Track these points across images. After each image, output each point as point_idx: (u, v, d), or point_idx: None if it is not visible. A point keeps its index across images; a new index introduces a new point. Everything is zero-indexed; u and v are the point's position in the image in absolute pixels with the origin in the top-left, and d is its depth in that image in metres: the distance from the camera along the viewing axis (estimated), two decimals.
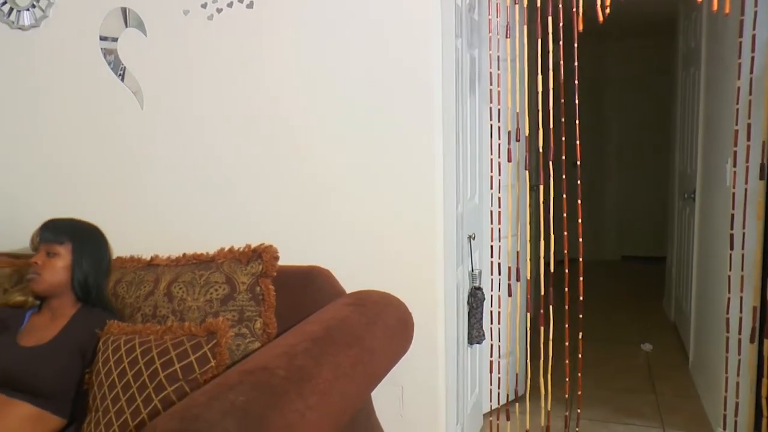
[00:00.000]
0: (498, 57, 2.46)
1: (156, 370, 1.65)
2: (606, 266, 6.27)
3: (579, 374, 2.43)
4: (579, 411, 2.60)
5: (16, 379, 1.83)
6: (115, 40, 2.31)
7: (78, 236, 1.99)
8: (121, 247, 2.12)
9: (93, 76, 2.35)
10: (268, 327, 1.83)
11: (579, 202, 2.38)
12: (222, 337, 1.69)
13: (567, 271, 2.24)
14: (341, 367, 1.60)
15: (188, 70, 2.24)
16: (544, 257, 2.39)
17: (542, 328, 2.40)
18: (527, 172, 2.44)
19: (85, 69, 2.36)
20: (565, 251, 2.24)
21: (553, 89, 2.30)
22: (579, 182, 2.36)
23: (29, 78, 2.47)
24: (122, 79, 2.32)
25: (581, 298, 2.30)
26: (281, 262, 1.91)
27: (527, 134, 2.35)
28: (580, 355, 2.37)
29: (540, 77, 2.26)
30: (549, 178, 2.31)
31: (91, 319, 1.92)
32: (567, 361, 2.34)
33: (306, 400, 1.42)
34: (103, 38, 2.32)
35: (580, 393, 2.47)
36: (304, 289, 1.95)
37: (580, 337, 2.35)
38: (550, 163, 2.34)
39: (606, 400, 3.10)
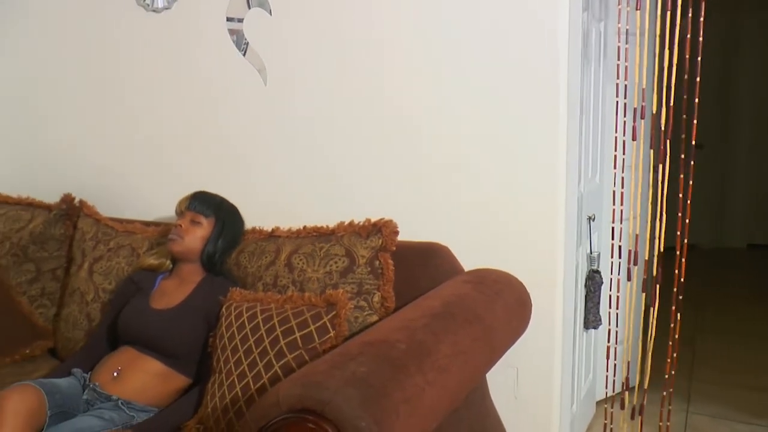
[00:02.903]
0: (627, 30, 2.33)
1: (277, 338, 1.69)
2: (729, 255, 5.90)
3: (693, 367, 2.29)
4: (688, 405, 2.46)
5: (148, 338, 1.95)
6: (240, 20, 2.37)
7: (222, 214, 2.11)
8: (243, 217, 2.19)
9: (219, 54, 2.43)
10: (386, 301, 1.84)
11: (690, 183, 2.23)
12: (341, 309, 1.71)
13: (682, 257, 2.11)
14: (460, 344, 1.58)
15: (312, 49, 2.26)
16: (664, 241, 2.28)
17: (652, 316, 2.29)
18: (651, 151, 2.31)
19: (212, 48, 2.44)
20: (678, 234, 2.11)
21: (678, 64, 2.16)
22: (693, 163, 2.21)
23: (161, 56, 2.58)
24: (246, 57, 2.37)
25: (681, 281, 2.17)
26: (400, 238, 1.90)
27: (654, 112, 2.23)
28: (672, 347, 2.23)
29: (667, 51, 2.13)
30: (674, 158, 2.18)
31: (216, 286, 2.01)
32: (672, 354, 2.22)
33: (425, 375, 1.41)
34: (229, 19, 2.38)
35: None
36: (423, 265, 1.94)
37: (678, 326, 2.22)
38: (668, 141, 2.21)
39: (727, 397, 2.93)
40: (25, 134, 3.02)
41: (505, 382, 2.11)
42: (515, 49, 1.99)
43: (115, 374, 1.91)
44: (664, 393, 2.37)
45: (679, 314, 2.27)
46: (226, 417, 1.68)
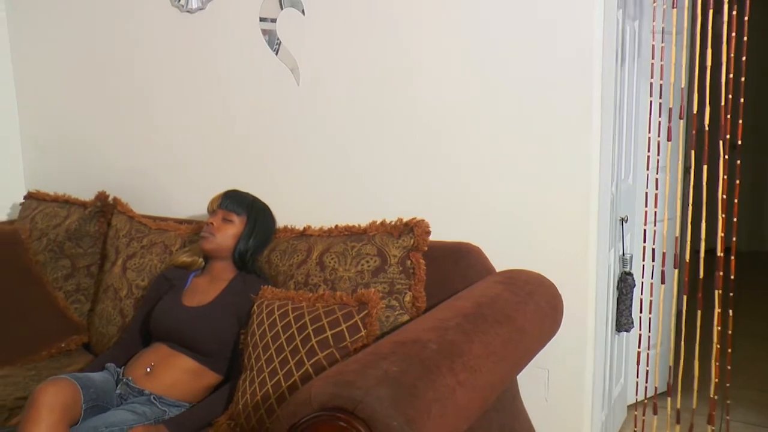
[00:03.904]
0: (662, 29, 2.30)
1: (308, 336, 1.70)
2: (766, 257, 5.79)
3: (729, 370, 2.25)
4: (727, 412, 2.41)
5: (180, 336, 1.97)
6: (273, 20, 2.38)
7: (253, 213, 2.13)
8: (275, 216, 2.20)
9: (252, 54, 2.44)
10: (418, 300, 1.83)
11: (737, 183, 2.19)
12: (373, 308, 1.71)
13: (729, 257, 2.08)
14: (492, 344, 1.57)
15: (345, 49, 2.27)
16: (704, 243, 2.23)
17: (684, 318, 2.25)
18: (693, 152, 2.27)
19: (245, 48, 2.46)
20: (722, 237, 2.08)
21: (712, 64, 2.12)
22: (738, 163, 2.16)
23: (195, 56, 2.61)
24: (279, 57, 2.38)
25: (727, 283, 2.12)
26: (431, 238, 1.90)
27: (695, 112, 2.19)
28: (729, 350, 2.18)
29: (710, 50, 2.10)
30: (714, 159, 2.14)
31: (248, 284, 2.03)
32: (717, 359, 2.18)
33: (457, 375, 1.41)
34: (262, 19, 2.40)
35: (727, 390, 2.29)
36: (454, 265, 1.93)
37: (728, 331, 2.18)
38: (705, 143, 2.18)
39: (766, 404, 2.86)
40: (61, 133, 3.07)
41: (536, 384, 2.09)
42: (548, 48, 1.97)
43: (148, 370, 1.94)
44: (696, 398, 2.33)
45: (720, 317, 2.22)
46: (257, 414, 1.69)
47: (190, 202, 2.59)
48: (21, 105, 3.18)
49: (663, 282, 2.40)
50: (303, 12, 2.32)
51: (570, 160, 1.99)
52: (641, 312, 2.51)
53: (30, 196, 2.90)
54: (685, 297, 2.37)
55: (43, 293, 2.49)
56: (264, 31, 2.40)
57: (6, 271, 2.48)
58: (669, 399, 2.40)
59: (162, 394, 1.89)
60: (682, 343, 2.33)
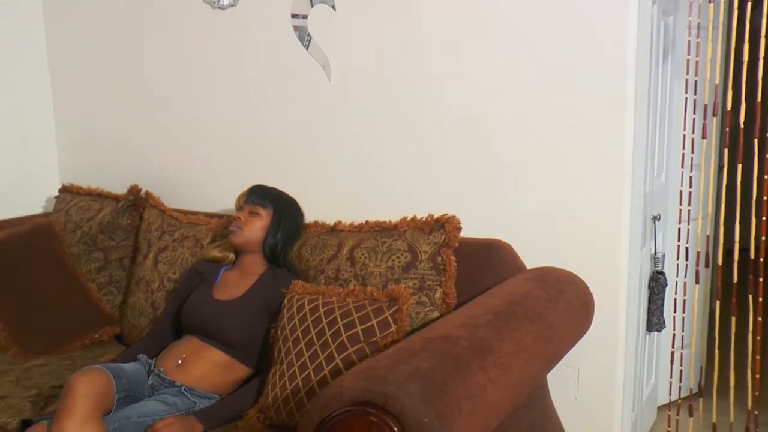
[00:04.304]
0: (698, 24, 2.26)
1: (338, 330, 1.71)
2: None
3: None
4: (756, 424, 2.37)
5: (211, 329, 1.99)
6: (305, 17, 2.38)
7: (279, 205, 2.15)
8: (305, 211, 2.22)
9: (283, 50, 2.45)
10: (448, 297, 1.83)
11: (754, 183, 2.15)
12: (403, 304, 1.72)
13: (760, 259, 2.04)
14: (522, 342, 1.56)
15: (376, 45, 2.26)
16: (738, 242, 2.20)
17: (718, 318, 2.21)
18: (726, 150, 2.23)
19: (276, 44, 2.47)
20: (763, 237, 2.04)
21: (749, 60, 2.08)
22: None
23: (226, 52, 2.62)
24: (310, 52, 2.39)
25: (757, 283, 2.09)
26: (462, 235, 1.89)
27: (730, 109, 2.15)
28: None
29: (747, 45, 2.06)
30: (748, 158, 2.11)
31: (278, 278, 2.04)
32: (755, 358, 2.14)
33: (487, 372, 1.40)
34: (294, 15, 2.40)
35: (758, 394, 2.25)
36: (485, 262, 1.92)
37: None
38: (740, 141, 2.13)
39: None
40: (95, 128, 3.12)
41: (566, 382, 2.08)
42: (582, 44, 1.95)
43: (179, 362, 1.96)
44: (733, 408, 2.29)
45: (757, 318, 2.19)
46: (286, 407, 1.70)
47: (221, 196, 2.60)
48: (56, 101, 3.23)
49: (697, 282, 2.37)
50: (334, 8, 2.32)
51: (603, 158, 1.97)
52: (675, 311, 2.48)
53: (64, 190, 2.95)
54: (718, 302, 2.33)
55: (77, 285, 2.53)
56: (295, 27, 2.41)
57: (42, 262, 2.52)
58: (701, 400, 2.37)
59: (193, 385, 1.91)
60: (716, 345, 2.30)
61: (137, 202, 2.70)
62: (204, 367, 1.95)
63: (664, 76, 2.47)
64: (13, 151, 3.09)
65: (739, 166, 2.18)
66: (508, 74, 2.06)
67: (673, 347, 2.45)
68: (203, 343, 1.98)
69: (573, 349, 1.89)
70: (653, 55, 2.21)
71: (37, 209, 3.15)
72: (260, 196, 2.15)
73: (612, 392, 2.06)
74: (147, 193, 2.70)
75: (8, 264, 2.50)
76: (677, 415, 2.41)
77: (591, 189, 1.99)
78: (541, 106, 2.02)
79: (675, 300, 2.47)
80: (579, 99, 1.97)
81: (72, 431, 1.62)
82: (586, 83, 1.96)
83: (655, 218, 2.42)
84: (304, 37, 2.40)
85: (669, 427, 2.40)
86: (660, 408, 2.73)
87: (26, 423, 1.83)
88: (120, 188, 2.76)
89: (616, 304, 2.03)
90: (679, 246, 2.42)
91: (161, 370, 1.95)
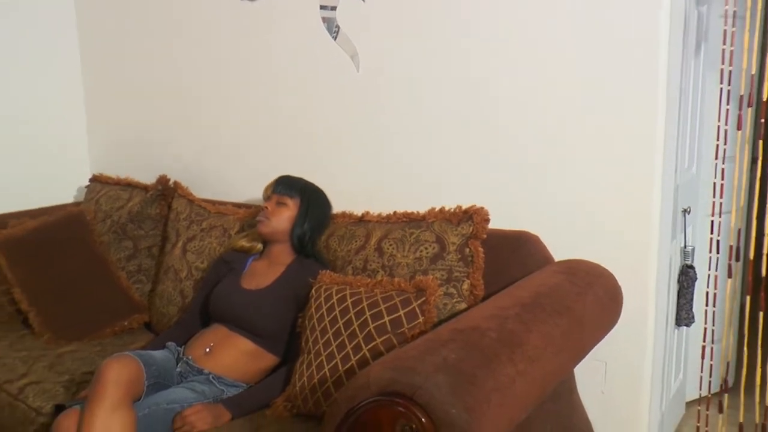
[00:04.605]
0: (734, 13, 2.21)
1: (366, 321, 1.71)
2: None
3: None
4: None
5: (239, 317, 2.00)
6: (334, 8, 2.38)
7: (306, 195, 2.15)
8: (332, 202, 2.22)
9: (311, 41, 2.45)
10: (476, 289, 1.82)
11: None
12: (431, 295, 1.71)
13: None
14: (551, 335, 1.55)
15: (406, 36, 2.25)
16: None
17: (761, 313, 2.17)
18: (761, 142, 2.19)
19: (304, 35, 2.46)
20: None
21: None
22: None
23: (255, 43, 2.63)
24: (338, 43, 2.39)
25: None
26: (489, 226, 1.88)
27: (765, 99, 2.11)
28: None
29: None
30: None
31: (306, 268, 2.05)
32: None
33: (516, 365, 1.39)
34: (323, 7, 2.40)
35: None
36: (513, 254, 1.91)
37: None
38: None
39: None
40: (124, 119, 3.16)
41: (593, 376, 2.06)
42: (613, 33, 1.92)
43: (207, 350, 1.98)
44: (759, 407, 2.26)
45: None
46: (314, 396, 1.71)
47: (249, 187, 2.62)
48: (87, 92, 3.27)
49: (729, 276, 2.33)
50: None
51: (633, 150, 1.94)
52: (706, 305, 2.44)
53: (95, 180, 2.98)
54: (748, 297, 2.29)
55: (107, 273, 2.57)
56: (323, 18, 2.40)
57: (73, 251, 2.56)
58: (726, 396, 2.34)
59: (220, 374, 1.93)
60: (746, 341, 2.27)
61: (166, 191, 2.72)
62: (232, 355, 1.97)
63: (697, 66, 2.43)
64: (45, 141, 3.14)
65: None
66: (538, 66, 2.04)
67: (704, 341, 2.42)
68: (231, 332, 2.00)
69: (601, 342, 1.87)
70: (686, 45, 2.18)
71: (69, 199, 3.20)
72: (287, 186, 2.15)
73: (640, 386, 2.04)
74: (175, 183, 2.72)
75: (41, 252, 2.54)
76: (707, 410, 2.38)
77: (620, 181, 1.97)
78: (570, 97, 2.00)
79: (707, 293, 2.44)
80: (609, 90, 1.94)
81: (103, 416, 1.64)
82: (616, 74, 1.93)
83: (685, 211, 2.39)
84: (332, 27, 2.39)
85: (698, 422, 2.37)
86: (689, 404, 2.70)
87: (59, 407, 1.86)
88: (149, 178, 2.79)
89: (645, 297, 2.00)
90: (711, 239, 2.38)
91: (190, 357, 1.97)
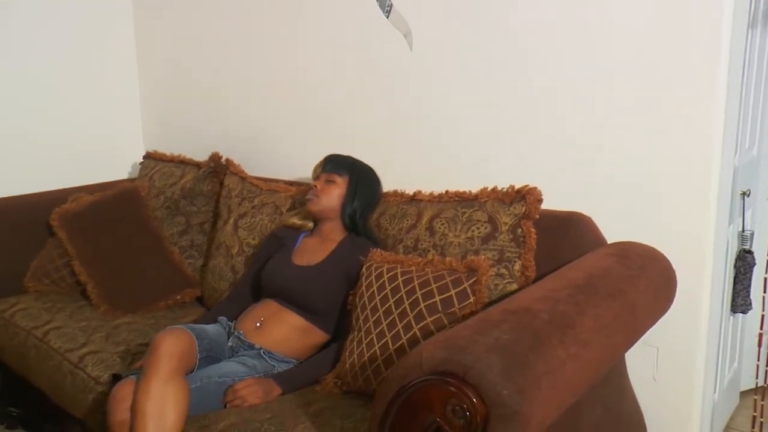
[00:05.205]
0: None
1: (417, 300, 1.71)
2: None
3: None
4: None
5: (290, 293, 2.03)
6: None
7: (355, 173, 2.16)
8: (383, 181, 2.23)
9: (363, 19, 2.44)
10: (527, 270, 1.80)
11: None
12: (482, 275, 1.70)
13: None
14: (603, 318, 1.53)
15: (461, 16, 2.22)
16: None
17: None
18: None
19: (357, 12, 2.45)
20: None
21: None
22: None
23: (307, 21, 2.63)
24: (391, 21, 2.37)
25: None
26: (541, 207, 1.86)
27: None
28: None
29: None
30: None
31: (357, 246, 2.06)
32: None
33: (567, 348, 1.38)
34: None
35: None
36: (564, 235, 1.87)
37: None
38: None
39: None
40: (177, 97, 3.20)
41: (644, 362, 2.03)
42: (672, 10, 1.85)
43: (258, 325, 2.01)
44: None
45: None
46: (363, 374, 1.72)
47: (300, 164, 2.63)
48: (141, 70, 3.33)
49: None
50: None
51: (690, 129, 1.88)
52: (765, 292, 2.37)
53: (148, 157, 3.05)
54: None
55: (161, 248, 2.62)
56: None
57: (128, 226, 2.63)
58: None
59: (271, 349, 1.96)
60: None
61: (218, 169, 2.76)
62: (282, 330, 2.00)
63: (763, 41, 2.33)
64: (100, 120, 3.22)
65: None
66: (592, 43, 1.99)
67: (761, 329, 2.35)
68: (282, 307, 2.03)
69: (653, 327, 1.84)
70: (751, 20, 2.09)
71: (123, 175, 3.28)
72: (336, 164, 2.16)
73: (692, 374, 2.00)
74: (227, 160, 2.76)
75: (98, 226, 2.61)
76: (762, 400, 2.32)
77: (677, 162, 1.91)
78: (624, 75, 1.95)
79: (765, 279, 2.37)
80: (666, 67, 1.88)
81: (157, 387, 1.68)
82: (674, 50, 1.86)
83: (744, 194, 2.31)
84: (385, 5, 2.37)
85: (754, 412, 2.32)
86: (743, 393, 2.64)
87: (116, 377, 1.92)
88: (201, 155, 2.83)
89: (700, 282, 1.95)
90: None
91: (241, 332, 2.01)
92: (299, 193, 2.42)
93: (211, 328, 2.01)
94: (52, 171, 2.99)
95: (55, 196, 2.77)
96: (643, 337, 1.81)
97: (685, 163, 1.90)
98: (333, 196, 2.12)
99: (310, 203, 2.14)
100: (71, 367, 2.11)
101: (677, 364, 2.00)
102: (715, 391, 2.21)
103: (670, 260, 1.90)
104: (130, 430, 1.69)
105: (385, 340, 1.70)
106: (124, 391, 1.75)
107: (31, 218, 2.72)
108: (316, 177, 2.20)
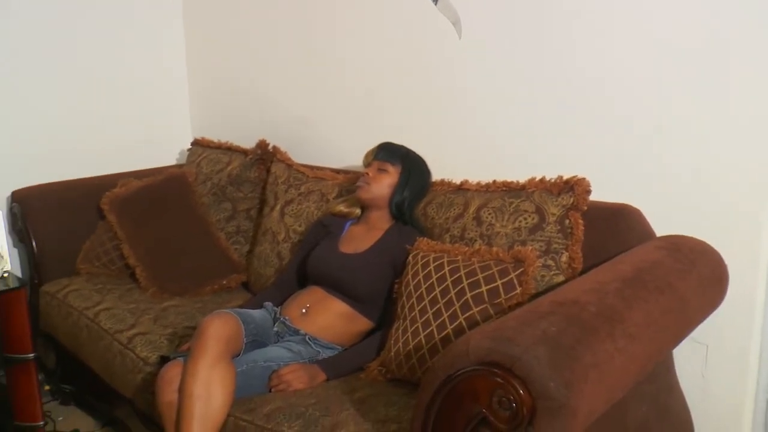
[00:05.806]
0: None
1: (463, 290, 1.71)
2: None
3: None
4: None
5: (335, 280, 2.04)
6: None
7: (408, 163, 2.16)
8: (431, 170, 2.23)
9: (413, 8, 2.42)
10: (574, 261, 1.78)
11: None
12: (529, 266, 1.69)
13: None
14: (652, 313, 1.50)
15: (509, 4, 2.20)
16: None
17: None
18: None
19: (407, 1, 2.44)
20: None
21: None
22: None
23: (355, 10, 2.63)
24: (439, 8, 2.35)
25: None
26: (590, 198, 1.83)
27: None
28: None
29: None
30: None
31: (403, 234, 2.06)
32: None
33: (616, 341, 1.36)
34: None
35: None
36: (613, 227, 1.85)
37: None
38: None
39: None
40: (225, 84, 3.24)
41: (693, 358, 1.99)
42: None
43: (304, 311, 2.03)
44: None
45: None
46: (408, 362, 1.73)
47: (347, 153, 2.64)
48: (189, 57, 3.37)
49: None
50: None
51: (747, 118, 1.81)
52: None
53: (196, 143, 3.09)
54: None
55: (208, 233, 2.67)
56: None
57: (176, 211, 2.68)
58: None
59: (316, 335, 1.98)
60: None
61: (265, 156, 2.79)
62: (327, 317, 2.01)
63: None
64: (149, 107, 3.27)
65: None
66: (645, 32, 1.94)
67: None
68: (327, 294, 2.04)
69: (703, 323, 1.80)
70: None
71: (171, 161, 3.33)
72: (389, 153, 2.16)
73: (744, 372, 1.95)
74: (274, 147, 2.78)
75: (146, 211, 2.67)
76: None
77: (734, 153, 1.85)
78: (678, 65, 1.90)
79: None
80: (726, 55, 1.82)
81: (204, 370, 1.71)
82: (737, 37, 1.80)
83: None
84: None
85: None
86: None
87: (164, 358, 1.96)
88: (248, 142, 2.86)
89: (754, 278, 1.90)
90: None
91: (286, 318, 2.03)
92: (346, 181, 2.43)
93: (257, 313, 2.04)
94: (103, 157, 3.05)
95: (105, 181, 2.83)
96: (693, 334, 1.77)
97: (741, 155, 1.84)
98: (384, 184, 2.12)
99: (361, 190, 2.14)
100: (121, 347, 2.17)
101: (728, 362, 1.96)
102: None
103: (725, 255, 1.85)
104: (178, 411, 1.72)
105: (430, 329, 1.71)
106: (171, 372, 1.79)
107: (83, 202, 2.79)
108: (367, 164, 2.19)
